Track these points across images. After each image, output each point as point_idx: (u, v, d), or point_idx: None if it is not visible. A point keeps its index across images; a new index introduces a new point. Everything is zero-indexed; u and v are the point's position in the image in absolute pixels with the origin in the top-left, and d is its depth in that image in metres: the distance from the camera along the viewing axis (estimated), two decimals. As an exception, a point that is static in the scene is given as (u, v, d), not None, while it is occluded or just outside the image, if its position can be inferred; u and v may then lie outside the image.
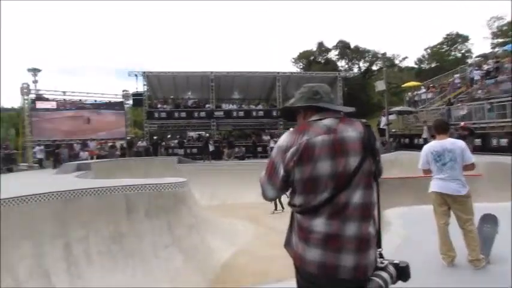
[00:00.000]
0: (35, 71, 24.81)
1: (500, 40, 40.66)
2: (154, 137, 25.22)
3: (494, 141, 15.82)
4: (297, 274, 1.77)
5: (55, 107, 24.62)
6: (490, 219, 4.88)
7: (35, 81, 24.68)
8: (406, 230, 6.17)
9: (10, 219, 7.29)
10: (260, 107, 28.28)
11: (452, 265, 4.44)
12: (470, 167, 4.43)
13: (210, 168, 19.41)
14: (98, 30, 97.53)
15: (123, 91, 27.12)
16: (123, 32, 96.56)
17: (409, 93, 28.02)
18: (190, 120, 26.33)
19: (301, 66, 51.13)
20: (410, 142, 20.46)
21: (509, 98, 17.17)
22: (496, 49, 35.28)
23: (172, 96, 28.57)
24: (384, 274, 1.65)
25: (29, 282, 6.77)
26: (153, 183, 9.80)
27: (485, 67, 23.52)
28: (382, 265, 1.69)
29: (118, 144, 24.17)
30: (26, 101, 23.81)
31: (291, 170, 1.69)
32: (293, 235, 1.78)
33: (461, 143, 4.50)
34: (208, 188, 16.61)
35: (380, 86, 22.34)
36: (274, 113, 26.37)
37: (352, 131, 1.71)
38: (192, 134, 28.63)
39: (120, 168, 17.47)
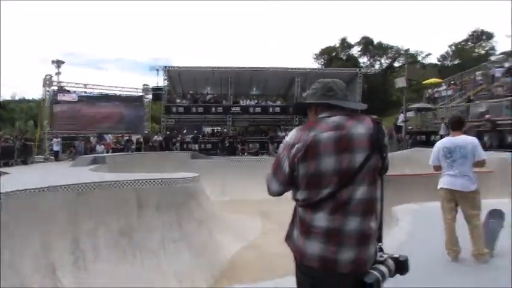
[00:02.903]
0: (58, 63, 25.36)
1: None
2: (167, 132, 25.46)
3: (509, 138, 15.40)
4: (296, 269, 1.77)
5: (76, 99, 25.12)
6: (496, 214, 4.87)
7: (58, 73, 25.22)
8: (413, 226, 6.13)
9: (19, 211, 7.37)
10: (278, 103, 28.21)
11: (456, 260, 4.41)
12: (481, 163, 4.39)
13: (223, 164, 19.46)
14: (123, 25, 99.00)
15: (144, 85, 27.54)
16: (147, 26, 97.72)
17: (429, 90, 27.39)
18: (207, 115, 26.47)
19: (322, 63, 50.76)
20: (427, 139, 20.04)
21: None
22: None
23: (191, 91, 28.81)
24: (382, 267, 1.66)
25: (33, 276, 6.84)
26: (164, 178, 9.87)
27: (507, 64, 22.90)
28: (382, 259, 1.70)
29: (134, 138, 24.53)
30: (48, 93, 24.25)
31: (295, 166, 1.71)
32: (294, 229, 1.78)
33: (473, 140, 4.44)
34: (219, 184, 16.66)
35: (400, 82, 21.88)
36: (291, 109, 26.30)
37: (361, 128, 1.71)
38: (208, 129, 28.83)
39: (135, 162, 17.70)
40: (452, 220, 4.42)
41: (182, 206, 9.55)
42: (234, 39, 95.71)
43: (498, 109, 17.52)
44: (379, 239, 1.76)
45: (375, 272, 1.62)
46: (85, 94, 25.72)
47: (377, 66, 49.09)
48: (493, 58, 32.86)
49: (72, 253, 7.60)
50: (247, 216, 13.01)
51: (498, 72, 22.47)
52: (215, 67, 26.59)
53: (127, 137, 24.11)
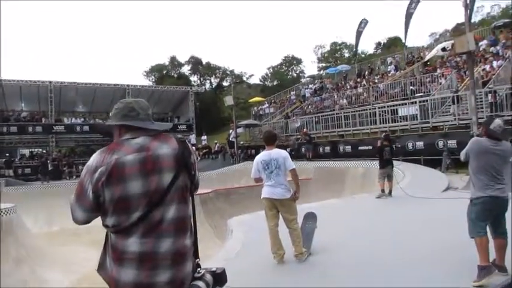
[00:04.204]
0: None
1: (323, 64, 48.56)
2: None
3: (321, 149, 18.43)
4: None
5: None
6: (310, 217, 5.64)
7: None
8: (247, 236, 6.56)
9: None
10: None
11: (282, 262, 4.93)
12: (292, 172, 5.02)
13: (47, 191, 17.22)
14: None
15: None
16: None
17: (255, 108, 30.27)
18: (22, 135, 23.06)
19: (153, 80, 50.21)
20: (257, 153, 21.86)
21: (331, 113, 20.34)
22: (321, 71, 41.79)
23: (-1, 108, 24.57)
24: (200, 283, 1.67)
25: None
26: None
27: (313, 86, 27.55)
28: (199, 274, 1.71)
29: None
30: None
31: (100, 191, 1.60)
32: (107, 258, 1.68)
33: (284, 153, 5.06)
34: (44, 213, 14.73)
35: (229, 100, 23.51)
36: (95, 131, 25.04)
37: (166, 148, 1.70)
38: (25, 151, 25.00)
39: None
40: (275, 226, 4.92)
41: (-8, 245, 8.07)
42: (52, 50, 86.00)
43: (310, 124, 20.72)
44: (196, 255, 1.77)
45: None
46: None
47: (207, 85, 51.60)
48: (303, 80, 38.73)
49: None
50: (80, 246, 11.81)
51: (307, 93, 26.71)
52: (30, 81, 23.43)
53: None
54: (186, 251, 1.69)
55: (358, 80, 25.03)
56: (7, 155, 22.80)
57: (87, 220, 1.71)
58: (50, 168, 20.19)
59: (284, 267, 4.85)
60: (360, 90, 22.08)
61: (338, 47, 50.62)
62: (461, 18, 13.66)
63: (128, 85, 26.39)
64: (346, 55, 48.20)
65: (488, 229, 3.90)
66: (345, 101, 21.92)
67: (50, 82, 23.79)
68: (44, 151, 24.37)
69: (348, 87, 24.30)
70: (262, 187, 5.04)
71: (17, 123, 23.17)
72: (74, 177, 20.48)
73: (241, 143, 24.57)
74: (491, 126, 3.92)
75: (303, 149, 18.75)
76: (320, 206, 8.55)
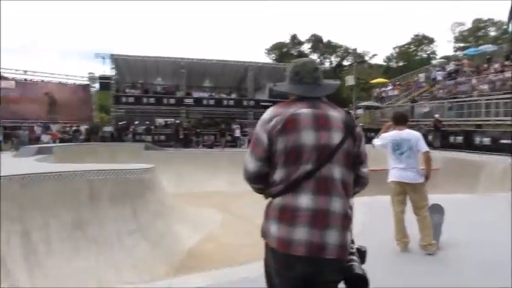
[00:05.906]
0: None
1: (461, 44, 43.16)
2: (120, 123, 24.63)
3: (451, 138, 16.68)
4: (278, 266, 1.66)
5: (14, 86, 23.48)
6: (437, 209, 5.13)
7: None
8: (367, 218, 6.39)
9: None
10: (233, 96, 28.19)
11: (406, 250, 4.68)
12: (425, 155, 4.67)
13: (178, 156, 19.24)
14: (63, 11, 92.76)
15: (89, 73, 26.39)
16: (89, 14, 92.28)
17: (377, 90, 28.76)
18: (159, 106, 25.89)
19: (274, 57, 51.35)
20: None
21: (467, 99, 18.11)
22: (458, 52, 37.29)
23: (141, 81, 27.94)
24: (357, 258, 1.67)
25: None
26: (119, 168, 9.58)
27: (447, 68, 24.81)
28: (353, 250, 1.70)
29: (83, 128, 23.44)
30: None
31: (274, 138, 1.68)
32: (272, 223, 1.67)
33: (416, 134, 4.74)
34: (175, 176, 16.49)
35: (350, 80, 22.87)
36: (245, 103, 26.41)
37: (335, 112, 1.74)
38: (160, 120, 28.22)
39: (85, 153, 16.98)
40: (401, 212, 4.66)
41: (137, 198, 9.33)
42: (184, 29, 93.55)
43: (441, 110, 18.88)
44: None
45: (358, 265, 1.62)
46: (25, 81, 24.14)
47: (327, 64, 50.69)
48: (433, 62, 35.23)
49: (24, 246, 7.19)
50: (204, 208, 13.01)
51: (439, 76, 24.24)
52: (166, 57, 25.99)
53: (75, 127, 22.97)
54: (351, 217, 1.68)
55: (507, 63, 21.66)
56: (147, 123, 26.06)
57: (258, 171, 1.75)
58: (180, 137, 22.43)
59: (409, 256, 4.60)
60: (507, 75, 19.13)
61: (482, 24, 44.42)
62: None
63: (249, 62, 27.43)
64: (492, 34, 42.09)
65: None
66: (486, 86, 19.27)
67: (182, 58, 26.01)
68: (177, 121, 27.15)
69: (492, 71, 21.25)
70: (390, 170, 4.79)
71: (155, 95, 26.07)
72: (201, 146, 22.45)
73: (360, 124, 23.68)
74: None
75: (430, 137, 17.24)
76: (447, 199, 7.79)
